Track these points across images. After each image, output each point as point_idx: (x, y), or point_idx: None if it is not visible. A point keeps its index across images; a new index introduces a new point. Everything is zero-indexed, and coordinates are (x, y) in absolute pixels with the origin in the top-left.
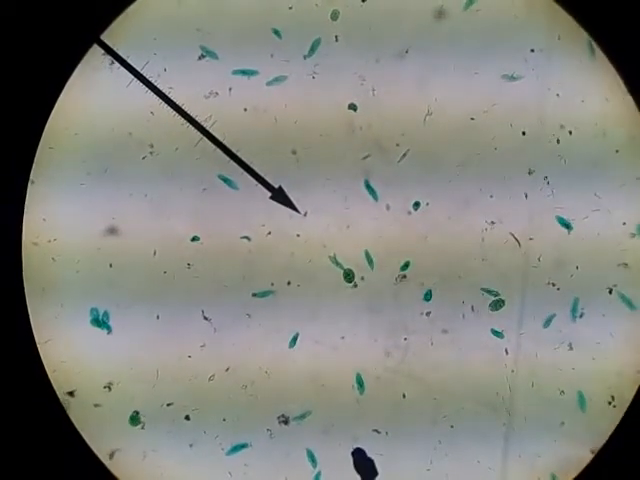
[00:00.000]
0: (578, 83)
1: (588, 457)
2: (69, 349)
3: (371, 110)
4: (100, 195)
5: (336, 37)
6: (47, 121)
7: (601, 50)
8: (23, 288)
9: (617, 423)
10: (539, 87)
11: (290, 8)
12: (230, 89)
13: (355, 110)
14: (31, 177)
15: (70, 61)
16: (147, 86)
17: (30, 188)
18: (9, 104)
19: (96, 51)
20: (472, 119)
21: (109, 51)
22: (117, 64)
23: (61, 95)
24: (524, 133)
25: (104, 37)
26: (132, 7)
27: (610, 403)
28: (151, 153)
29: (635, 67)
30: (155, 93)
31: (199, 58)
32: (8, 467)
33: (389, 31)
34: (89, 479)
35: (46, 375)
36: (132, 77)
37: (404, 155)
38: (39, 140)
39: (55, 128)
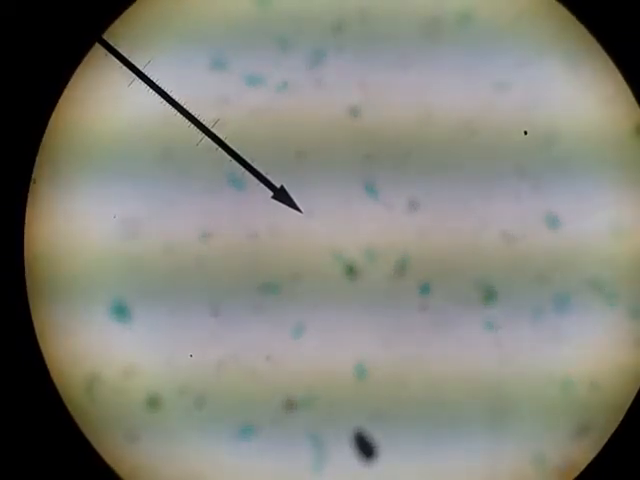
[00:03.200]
0: (567, 90)
1: (575, 441)
2: (91, 338)
3: (372, 114)
4: (98, 194)
5: (339, 46)
6: (49, 120)
7: (603, 48)
8: (25, 284)
9: (618, 424)
10: (531, 93)
11: (295, 18)
12: (237, 95)
13: (357, 114)
14: (33, 176)
15: (72, 60)
16: (149, 85)
17: (32, 187)
18: (11, 102)
19: (98, 50)
20: (468, 123)
21: (111, 50)
22: (119, 63)
23: (63, 94)
24: (526, 132)
25: (106, 36)
26: (134, 6)
27: (591, 389)
28: (158, 153)
29: (637, 65)
30: (157, 92)
31: (208, 66)
32: (10, 464)
33: (390, 40)
34: (91, 476)
35: (48, 372)
36: (134, 76)
37: (403, 157)
38: (41, 139)
39: (57, 127)
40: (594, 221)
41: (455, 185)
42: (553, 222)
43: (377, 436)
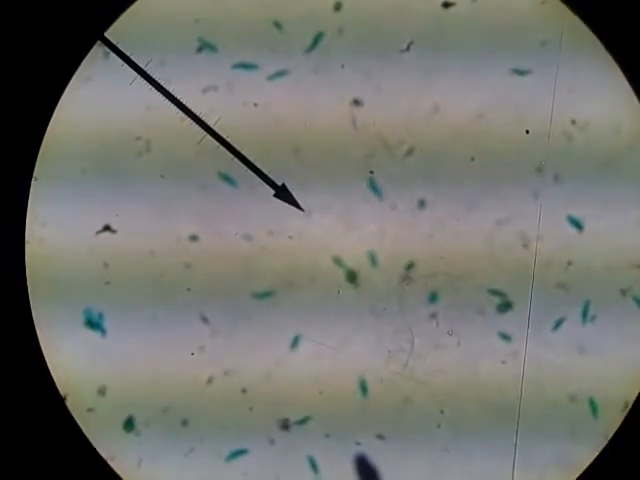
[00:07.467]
0: (591, 77)
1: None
2: (62, 352)
3: (375, 106)
4: (100, 193)
5: (339, 30)
6: (51, 118)
7: (606, 49)
8: (27, 287)
9: (618, 424)
10: (550, 82)
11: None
12: (229, 84)
13: (359, 106)
14: (34, 174)
15: (74, 58)
16: (151, 83)
17: (33, 185)
18: (13, 100)
19: (100, 48)
20: (479, 115)
21: (113, 48)
22: (121, 61)
23: (65, 92)
24: (527, 132)
25: (108, 34)
26: (136, 4)
27: (624, 410)
28: (151, 150)
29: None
30: (159, 90)
31: (197, 51)
32: (8, 467)
33: (394, 23)
34: (92, 476)
35: (49, 373)
36: (136, 74)
37: (409, 152)
38: (42, 137)
39: (59, 125)
40: (622, 221)
41: (466, 183)
42: (575, 223)
43: (381, 457)
